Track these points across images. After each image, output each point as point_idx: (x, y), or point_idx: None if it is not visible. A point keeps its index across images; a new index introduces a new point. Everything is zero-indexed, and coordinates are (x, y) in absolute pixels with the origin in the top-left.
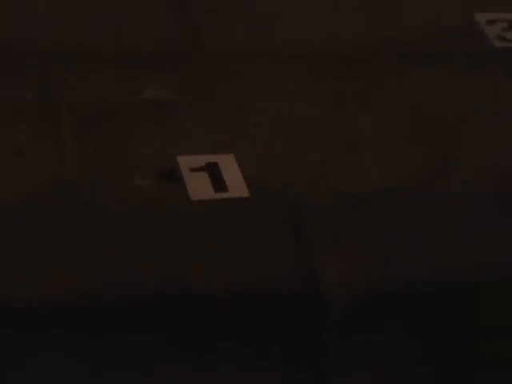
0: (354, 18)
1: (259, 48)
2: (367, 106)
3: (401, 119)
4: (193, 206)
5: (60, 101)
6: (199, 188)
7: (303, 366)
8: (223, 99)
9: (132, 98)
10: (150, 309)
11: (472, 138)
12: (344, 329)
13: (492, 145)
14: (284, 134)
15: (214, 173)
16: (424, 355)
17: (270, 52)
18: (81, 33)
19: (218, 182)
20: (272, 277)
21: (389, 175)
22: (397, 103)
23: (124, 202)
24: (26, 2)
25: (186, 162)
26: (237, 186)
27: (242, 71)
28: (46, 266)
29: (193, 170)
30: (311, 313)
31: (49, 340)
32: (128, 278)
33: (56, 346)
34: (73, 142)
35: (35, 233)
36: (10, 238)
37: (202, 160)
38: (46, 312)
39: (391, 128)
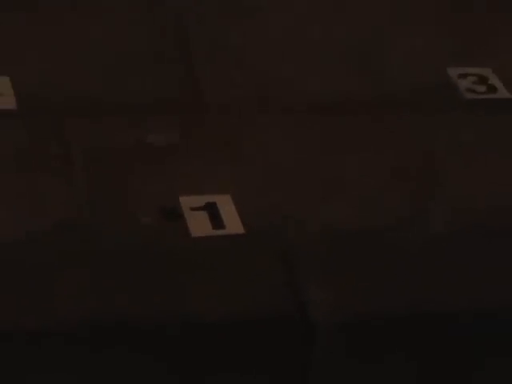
0: (341, 71)
1: (253, 99)
2: (353, 151)
3: (385, 162)
4: (193, 242)
5: (72, 147)
6: (199, 225)
7: None
8: (221, 145)
9: (137, 143)
10: (152, 337)
11: (449, 180)
12: (331, 353)
13: (467, 187)
14: (276, 177)
15: (213, 212)
16: (406, 377)
17: (263, 102)
18: (90, 86)
19: (216, 220)
20: (264, 307)
21: (374, 214)
22: (381, 147)
23: (130, 238)
24: (39, 62)
25: (186, 201)
26: (233, 223)
27: (237, 119)
28: (49, 295)
29: (193, 209)
30: (301, 339)
31: (50, 359)
32: (129, 307)
33: (56, 364)
34: (83, 184)
35: (43, 265)
36: (20, 269)
37: (201, 200)
38: (50, 334)
39: (376, 170)
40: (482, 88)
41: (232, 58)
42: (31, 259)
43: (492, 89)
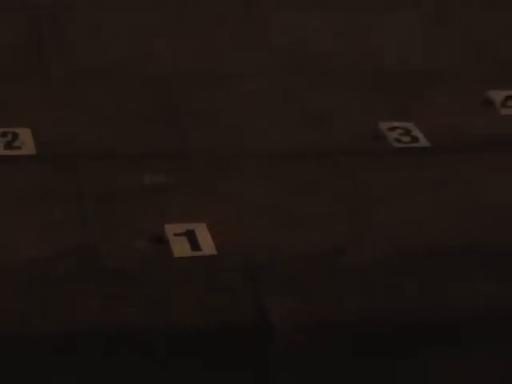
0: (298, 125)
1: (229, 147)
2: (308, 190)
3: (334, 200)
4: (175, 261)
5: (84, 186)
6: (180, 248)
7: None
8: (200, 184)
9: (134, 183)
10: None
11: (382, 212)
12: (288, 351)
13: (396, 218)
14: (246, 210)
15: (191, 237)
16: (354, 371)
17: (237, 150)
18: (98, 137)
19: (194, 244)
20: (229, 314)
21: (324, 240)
22: (329, 187)
23: (128, 259)
24: (53, 117)
25: (171, 229)
26: (207, 246)
27: (217, 164)
28: (71, 305)
29: (176, 234)
30: (261, 339)
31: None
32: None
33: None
34: (92, 216)
35: (66, 277)
36: (47, 280)
37: (182, 227)
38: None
39: (326, 205)
40: (407, 138)
41: (213, 115)
42: (55, 272)
43: (415, 139)
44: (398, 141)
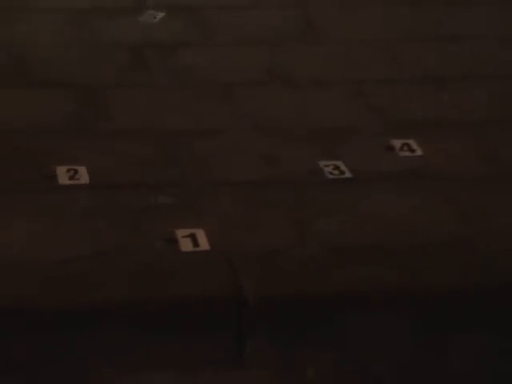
0: (261, 165)
1: (216, 178)
2: (270, 206)
3: (283, 214)
4: (182, 254)
5: (122, 205)
6: (185, 245)
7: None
8: (197, 204)
9: (153, 203)
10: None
11: (323, 223)
12: (259, 321)
13: (332, 227)
14: (226, 222)
15: (193, 238)
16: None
17: (219, 181)
18: (125, 170)
19: (195, 243)
20: (210, 290)
21: (278, 241)
22: (283, 203)
23: (150, 253)
24: (102, 159)
25: (179, 233)
26: (204, 244)
27: (206, 190)
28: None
29: (183, 236)
30: (236, 312)
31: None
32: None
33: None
34: (126, 226)
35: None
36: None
37: (187, 232)
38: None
39: (277, 217)
40: (337, 172)
41: (203, 159)
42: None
43: (342, 172)
44: (331, 173)
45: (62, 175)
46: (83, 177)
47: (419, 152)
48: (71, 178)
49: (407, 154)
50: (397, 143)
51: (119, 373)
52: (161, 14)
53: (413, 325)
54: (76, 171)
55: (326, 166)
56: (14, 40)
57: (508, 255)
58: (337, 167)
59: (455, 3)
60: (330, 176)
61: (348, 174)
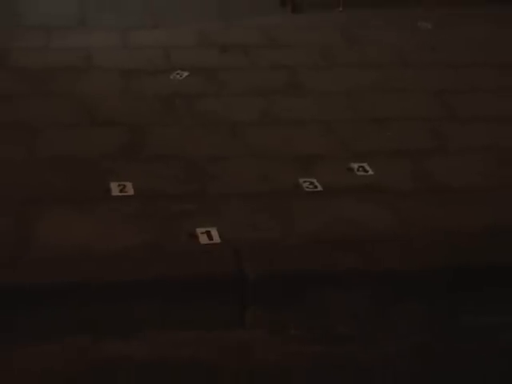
0: (260, 187)
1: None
2: (270, 209)
3: (269, 215)
4: (201, 245)
5: (159, 210)
6: (203, 239)
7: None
8: (214, 210)
9: (183, 209)
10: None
11: (305, 222)
12: (260, 295)
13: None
14: (231, 225)
15: (209, 234)
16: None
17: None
18: (162, 187)
19: (210, 237)
20: (218, 269)
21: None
22: (273, 207)
23: (178, 244)
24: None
25: (199, 230)
26: (216, 238)
27: (216, 201)
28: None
29: (201, 233)
30: (238, 287)
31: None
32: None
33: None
34: (162, 227)
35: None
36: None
37: (204, 229)
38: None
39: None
40: (312, 186)
41: (216, 177)
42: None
43: (316, 187)
44: (308, 187)
45: (115, 189)
46: (130, 190)
47: (371, 172)
48: (121, 191)
49: (362, 173)
50: (355, 166)
51: (156, 330)
52: (185, 73)
53: (368, 298)
54: (124, 186)
55: (304, 182)
56: (81, 91)
57: (433, 247)
58: (312, 183)
59: (395, 63)
60: (307, 189)
61: (320, 188)
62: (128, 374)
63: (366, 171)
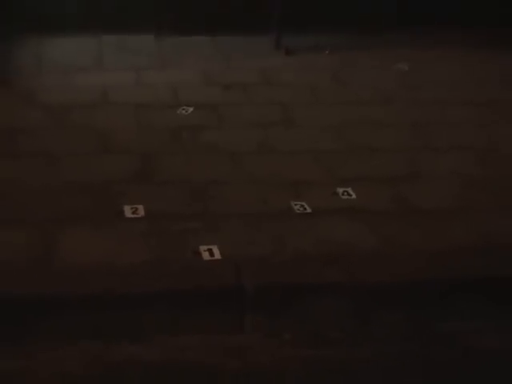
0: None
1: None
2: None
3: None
4: (203, 261)
5: (169, 227)
6: (206, 255)
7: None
8: (215, 229)
9: (186, 227)
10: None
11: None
12: (257, 304)
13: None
14: (231, 243)
15: (210, 251)
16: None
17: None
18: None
19: (212, 254)
20: (219, 282)
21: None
22: (272, 229)
23: (183, 259)
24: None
25: (202, 248)
26: (217, 255)
27: (217, 221)
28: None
29: (204, 250)
30: (237, 297)
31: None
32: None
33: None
34: (170, 246)
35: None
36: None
37: (206, 247)
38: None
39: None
40: (302, 208)
41: (217, 199)
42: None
43: (305, 209)
44: (298, 209)
45: (127, 211)
46: (141, 212)
47: (354, 196)
48: (133, 212)
49: (346, 197)
50: (340, 190)
51: (164, 335)
52: (191, 109)
53: (352, 306)
54: (136, 208)
55: (296, 204)
56: (98, 123)
57: (410, 262)
58: (302, 205)
59: (376, 100)
60: (298, 211)
61: (309, 210)
62: (138, 375)
63: (350, 195)
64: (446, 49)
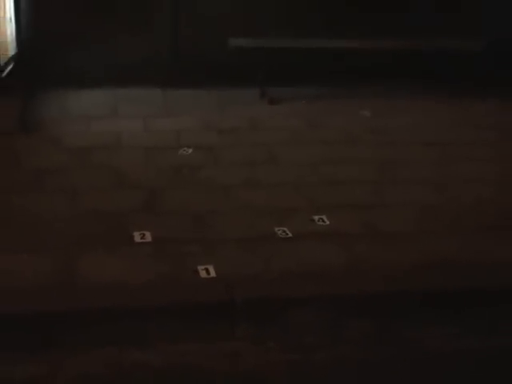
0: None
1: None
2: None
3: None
4: (200, 279)
5: (167, 247)
6: (203, 274)
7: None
8: (212, 251)
9: (184, 250)
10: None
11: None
12: (247, 315)
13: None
14: (225, 264)
15: (207, 270)
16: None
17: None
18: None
19: (208, 272)
20: (214, 296)
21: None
22: (266, 252)
23: (182, 278)
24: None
25: (200, 267)
26: (213, 273)
27: (214, 246)
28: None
29: (201, 269)
30: (227, 309)
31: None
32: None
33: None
34: (173, 267)
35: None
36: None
37: (203, 266)
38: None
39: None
40: (284, 233)
41: (213, 226)
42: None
43: (287, 234)
44: (281, 234)
45: (137, 236)
46: (148, 237)
47: (328, 222)
48: (141, 238)
49: (321, 223)
50: (316, 217)
51: (167, 343)
52: (190, 150)
53: (330, 316)
54: (144, 234)
55: (278, 230)
56: (113, 163)
57: (378, 277)
58: (284, 231)
59: (345, 141)
60: (281, 236)
61: (290, 235)
62: (144, 377)
63: (324, 222)
64: (408, 100)
